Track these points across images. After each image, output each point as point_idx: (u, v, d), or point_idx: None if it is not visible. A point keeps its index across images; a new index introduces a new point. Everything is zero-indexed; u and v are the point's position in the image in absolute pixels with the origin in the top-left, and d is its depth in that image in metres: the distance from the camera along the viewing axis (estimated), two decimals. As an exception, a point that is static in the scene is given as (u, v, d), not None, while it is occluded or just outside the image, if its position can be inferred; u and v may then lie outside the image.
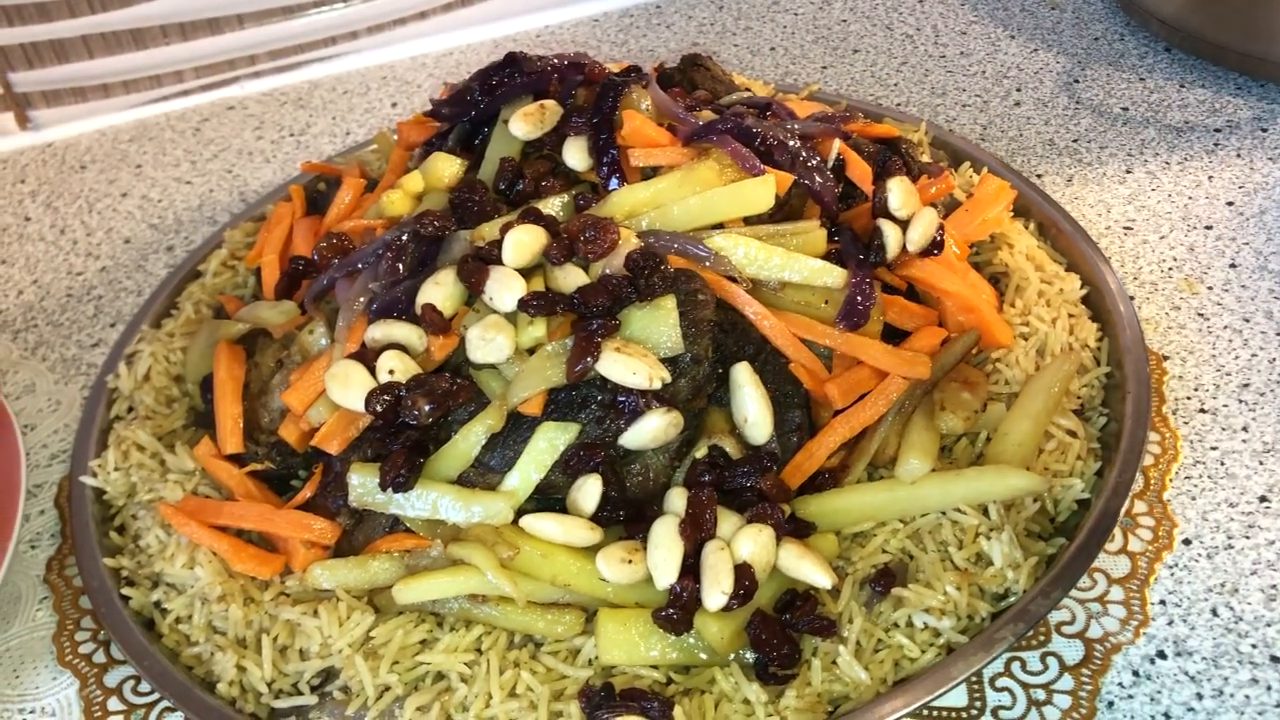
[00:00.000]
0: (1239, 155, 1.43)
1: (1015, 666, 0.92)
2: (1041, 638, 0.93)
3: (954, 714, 0.89)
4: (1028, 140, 1.51)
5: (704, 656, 0.89)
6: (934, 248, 1.08)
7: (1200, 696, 0.90)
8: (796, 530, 0.93)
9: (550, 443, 0.92)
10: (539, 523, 0.91)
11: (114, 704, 0.97)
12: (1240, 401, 1.12)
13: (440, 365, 0.97)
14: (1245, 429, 1.09)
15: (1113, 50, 1.68)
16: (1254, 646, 0.92)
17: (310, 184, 1.38)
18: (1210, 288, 1.25)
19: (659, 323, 0.93)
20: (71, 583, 1.07)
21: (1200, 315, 1.22)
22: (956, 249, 1.12)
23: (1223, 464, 1.06)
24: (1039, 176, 1.44)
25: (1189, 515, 1.02)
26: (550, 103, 1.13)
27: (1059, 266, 1.19)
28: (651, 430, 0.91)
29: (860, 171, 1.13)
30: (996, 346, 1.09)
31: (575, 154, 1.09)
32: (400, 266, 1.02)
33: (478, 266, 0.97)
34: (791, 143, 1.08)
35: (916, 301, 1.10)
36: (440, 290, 0.97)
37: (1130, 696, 0.90)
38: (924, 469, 0.96)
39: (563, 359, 0.92)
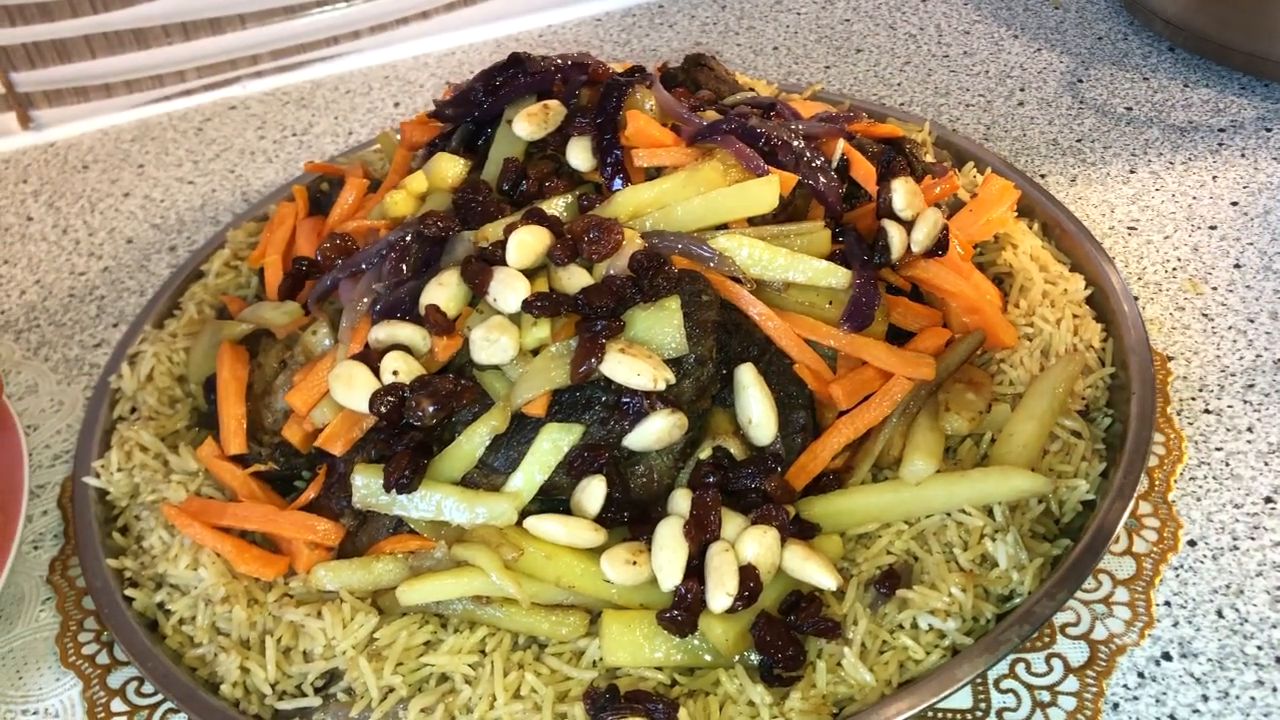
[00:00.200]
0: (1243, 155, 1.43)
1: (1020, 668, 0.92)
2: (1046, 639, 0.93)
3: (959, 716, 0.89)
4: (1031, 140, 1.51)
5: (709, 658, 0.89)
6: (938, 248, 1.07)
7: (1206, 698, 0.89)
8: (801, 532, 0.93)
9: (554, 444, 0.92)
10: (543, 524, 0.91)
11: (117, 705, 0.97)
12: (1245, 402, 1.12)
13: (444, 366, 0.97)
14: (1250, 430, 1.09)
15: (1116, 50, 1.67)
16: (1260, 648, 0.92)
17: (313, 184, 1.37)
18: (1215, 288, 1.25)
19: (663, 324, 0.93)
20: (75, 584, 1.07)
21: (1205, 315, 1.21)
22: (960, 249, 1.12)
23: (1228, 465, 1.06)
24: (1043, 176, 1.44)
25: (1194, 516, 1.02)
26: (554, 103, 1.13)
27: (1063, 267, 1.19)
28: (656, 431, 0.91)
29: (864, 172, 1.13)
30: (1001, 347, 1.09)
31: (579, 154, 1.09)
32: (404, 267, 1.02)
33: (481, 267, 0.96)
34: (795, 143, 1.08)
35: (921, 302, 1.10)
36: (444, 291, 0.97)
37: (1135, 698, 0.90)
38: (929, 470, 0.96)
39: (567, 360, 0.92)
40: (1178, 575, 0.98)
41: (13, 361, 1.37)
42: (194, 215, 1.58)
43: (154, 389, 1.18)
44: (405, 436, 0.94)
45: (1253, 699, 0.89)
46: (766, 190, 1.02)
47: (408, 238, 1.03)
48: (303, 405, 1.00)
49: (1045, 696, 0.90)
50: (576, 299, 0.94)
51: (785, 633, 0.88)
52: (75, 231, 1.58)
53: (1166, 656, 0.92)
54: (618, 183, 1.06)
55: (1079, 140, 1.50)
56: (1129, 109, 1.54)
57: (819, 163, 1.08)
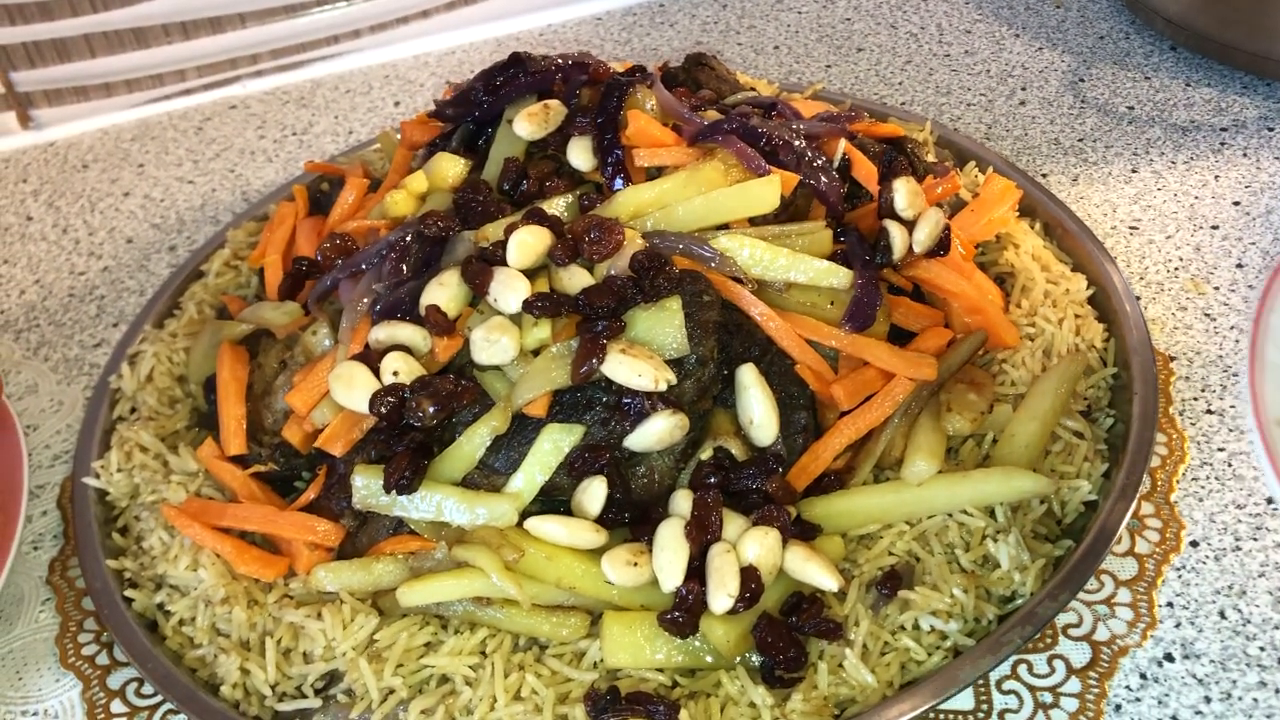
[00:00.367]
0: (1245, 154, 1.42)
1: (1022, 669, 0.91)
2: (1048, 640, 0.93)
3: (960, 717, 0.89)
4: (1033, 139, 1.51)
5: (710, 660, 0.88)
6: (940, 248, 1.07)
7: (1208, 700, 0.89)
8: (802, 532, 0.93)
9: (555, 444, 0.92)
10: (544, 525, 0.91)
11: (117, 706, 0.97)
12: (1247, 402, 1.11)
13: (444, 367, 0.97)
14: (1253, 430, 1.09)
15: (1118, 49, 1.67)
16: (1262, 649, 0.92)
17: (313, 184, 1.37)
18: (1217, 288, 1.24)
19: (664, 324, 0.93)
20: (74, 584, 1.07)
21: (1207, 315, 1.21)
22: (962, 249, 1.12)
23: (1230, 465, 1.06)
24: (1044, 176, 1.43)
25: (1196, 517, 1.02)
26: (554, 102, 1.13)
27: (1065, 267, 1.19)
28: (657, 432, 0.91)
29: (866, 171, 1.13)
30: (1003, 347, 1.08)
31: (580, 154, 1.09)
32: (404, 267, 1.02)
33: (482, 267, 0.96)
34: (797, 143, 1.08)
35: (922, 302, 1.10)
36: (444, 291, 0.97)
37: (1138, 700, 0.90)
38: (930, 471, 0.95)
39: (567, 360, 0.92)
40: (1180, 576, 0.97)
41: (12, 361, 1.37)
42: (194, 215, 1.58)
43: (154, 389, 1.18)
44: (405, 437, 0.94)
45: (1255, 700, 0.89)
46: (768, 190, 1.01)
47: (408, 238, 1.03)
48: (303, 406, 1.00)
49: (1047, 698, 0.89)
50: (577, 299, 0.94)
51: (786, 634, 0.87)
52: (75, 231, 1.58)
53: (1169, 658, 0.92)
54: (618, 183, 1.06)
55: (1081, 140, 1.49)
56: (1131, 108, 1.54)
57: (820, 162, 1.08)
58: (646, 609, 0.90)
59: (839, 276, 1.00)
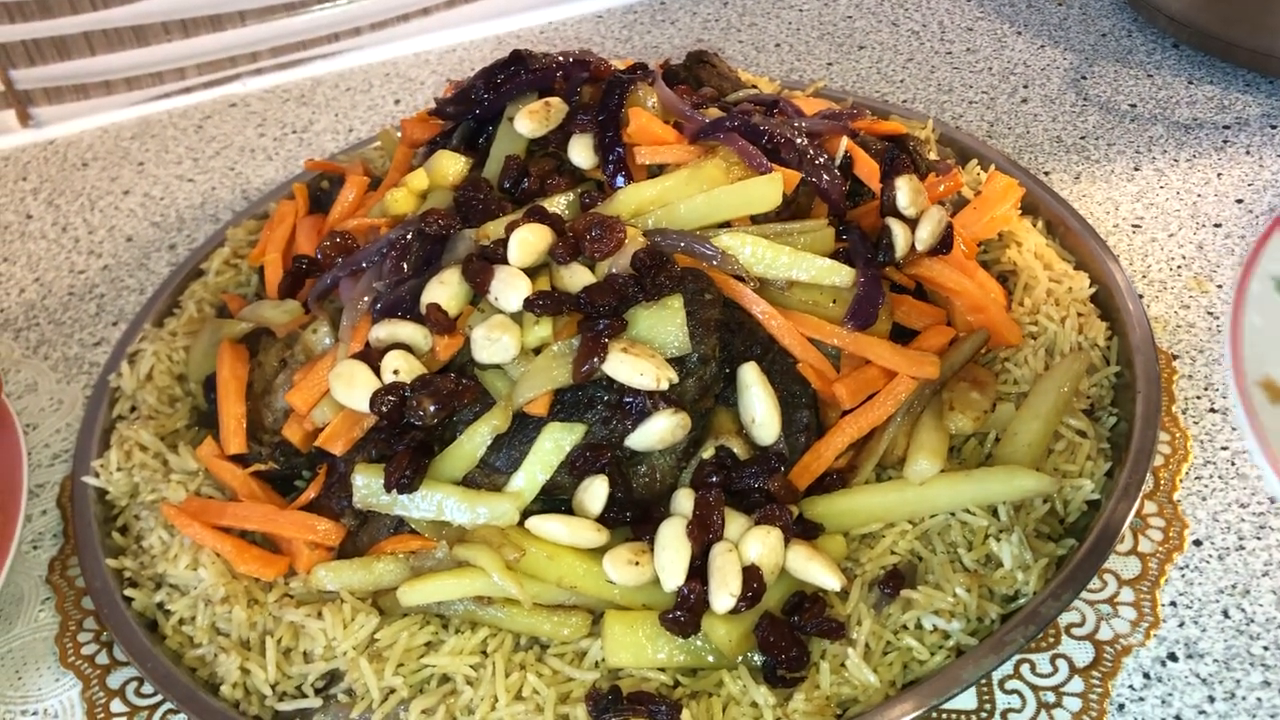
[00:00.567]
0: (1248, 152, 1.42)
1: (1025, 669, 0.91)
2: (1051, 640, 0.93)
3: (963, 717, 0.89)
4: (1035, 137, 1.50)
5: (711, 659, 0.88)
6: (942, 246, 1.07)
7: (1212, 699, 0.89)
8: (805, 532, 0.92)
9: (556, 443, 0.92)
10: (545, 524, 0.90)
11: (117, 706, 0.97)
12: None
13: (445, 365, 0.97)
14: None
15: (1120, 47, 1.67)
16: (1266, 649, 0.92)
17: (313, 182, 1.37)
18: (1220, 286, 1.24)
19: (666, 322, 0.92)
20: (74, 583, 1.07)
21: (1210, 314, 1.21)
22: (964, 247, 1.11)
23: (1233, 464, 1.06)
24: (1046, 174, 1.43)
25: (1199, 516, 1.02)
26: (555, 100, 1.12)
27: (1067, 265, 1.18)
28: (659, 432, 0.90)
29: (868, 169, 1.12)
30: (1005, 346, 1.08)
31: (581, 152, 1.08)
32: (404, 265, 1.01)
33: (483, 266, 0.96)
34: (799, 140, 1.07)
35: (925, 300, 1.09)
36: (445, 290, 0.96)
37: (1141, 699, 0.89)
38: (933, 470, 0.95)
39: (569, 359, 0.92)
40: (1183, 575, 0.97)
41: (12, 360, 1.36)
42: (194, 213, 1.58)
43: (153, 388, 1.18)
44: (406, 436, 0.94)
45: (1259, 700, 0.88)
46: (769, 188, 1.01)
47: (408, 236, 1.03)
48: (303, 404, 1.00)
49: (1050, 697, 0.89)
50: (579, 298, 0.94)
51: (789, 633, 0.87)
52: (75, 229, 1.57)
53: (1172, 657, 0.92)
54: (620, 180, 1.06)
55: (1083, 137, 1.49)
56: (1133, 106, 1.54)
57: (822, 160, 1.08)
58: (648, 608, 0.90)
59: (841, 275, 1.00)
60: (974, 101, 1.59)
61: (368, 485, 0.93)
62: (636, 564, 0.88)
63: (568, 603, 0.92)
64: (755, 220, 1.03)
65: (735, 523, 0.90)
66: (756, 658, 0.88)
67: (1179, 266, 1.27)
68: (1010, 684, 0.90)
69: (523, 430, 0.93)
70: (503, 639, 0.91)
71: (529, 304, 0.93)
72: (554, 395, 0.93)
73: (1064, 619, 0.93)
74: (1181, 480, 1.04)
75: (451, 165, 1.13)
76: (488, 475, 0.94)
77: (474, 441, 0.93)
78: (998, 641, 0.88)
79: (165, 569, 1.01)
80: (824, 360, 0.99)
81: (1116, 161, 1.44)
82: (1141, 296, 1.21)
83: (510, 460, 0.93)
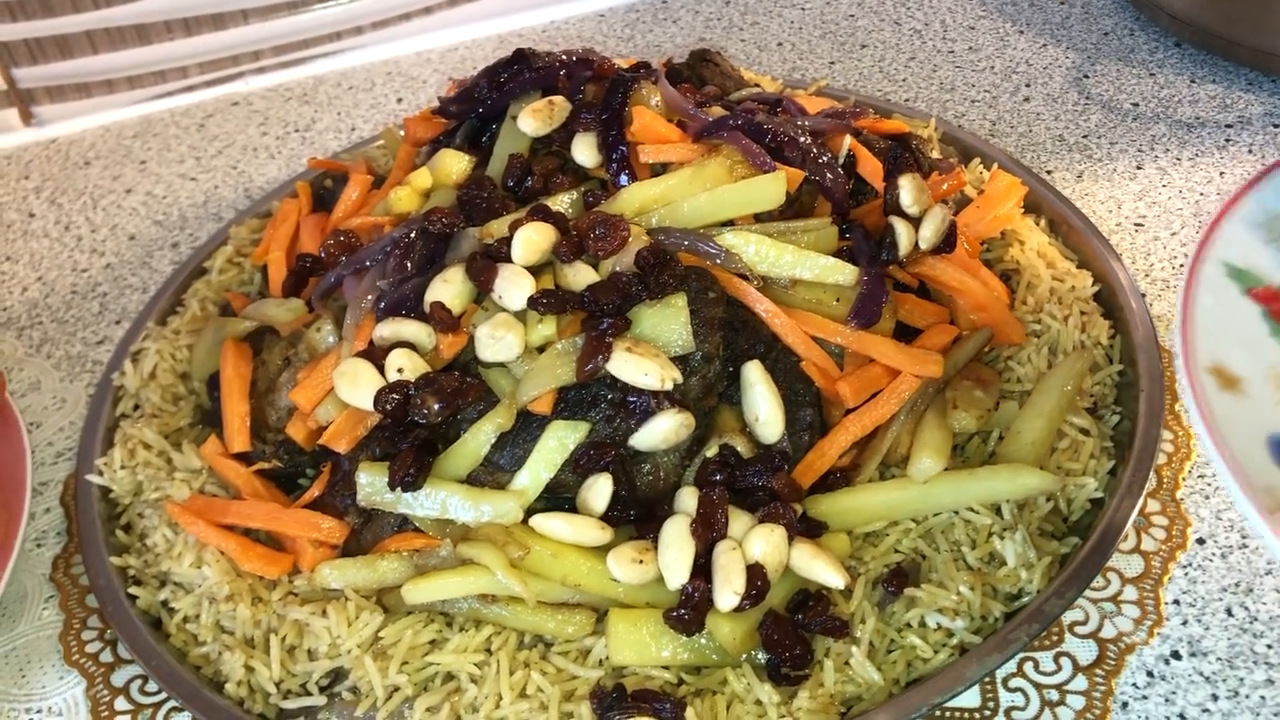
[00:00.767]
0: (1250, 151, 1.42)
1: (1028, 667, 0.91)
2: (1055, 638, 0.93)
3: (967, 715, 0.89)
4: (1037, 136, 1.50)
5: (715, 657, 0.88)
6: (946, 245, 1.07)
7: (1215, 697, 0.89)
8: (808, 530, 0.92)
9: (560, 441, 0.92)
10: (549, 522, 0.90)
11: (121, 704, 0.97)
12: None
13: (449, 363, 0.97)
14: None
15: (1122, 45, 1.67)
16: (1269, 647, 0.92)
17: (316, 180, 1.37)
18: (1222, 285, 1.24)
19: (669, 321, 0.92)
20: (78, 581, 1.07)
21: (1212, 312, 1.21)
22: (968, 246, 1.11)
23: (1236, 463, 1.06)
24: (1049, 172, 1.43)
25: (1203, 514, 1.02)
26: (559, 99, 1.12)
27: (1070, 263, 1.18)
28: (663, 431, 0.90)
29: (871, 168, 1.12)
30: (1008, 344, 1.08)
31: (584, 150, 1.08)
32: (408, 264, 1.01)
33: (486, 264, 0.96)
34: (802, 139, 1.07)
35: (928, 299, 1.09)
36: (449, 288, 0.96)
37: (1144, 697, 0.89)
38: (936, 468, 0.95)
39: (573, 357, 0.92)
40: (1186, 573, 0.97)
41: (15, 358, 1.36)
42: (196, 212, 1.58)
43: (157, 386, 1.18)
44: (410, 434, 0.94)
45: (1263, 698, 0.88)
46: (773, 186, 1.01)
47: (412, 234, 1.03)
48: (307, 403, 1.00)
49: (1054, 695, 0.89)
50: (582, 296, 0.94)
51: (793, 631, 0.87)
52: (77, 228, 1.57)
53: (1176, 655, 0.92)
54: (623, 179, 1.06)
55: (1085, 136, 1.49)
56: (1135, 105, 1.54)
57: (826, 159, 1.08)
58: (652, 606, 0.90)
59: (844, 273, 1.00)
60: (976, 100, 1.59)
61: (372, 483, 0.93)
62: (640, 562, 0.88)
63: (572, 601, 0.92)
64: (759, 219, 1.03)
65: (739, 521, 0.90)
66: (760, 656, 0.88)
67: (1181, 265, 1.27)
68: (1014, 682, 0.91)
69: (527, 428, 0.93)
70: (507, 637, 0.91)
71: (533, 302, 0.93)
72: (558, 393, 0.93)
73: (1067, 617, 0.94)
74: (1184, 478, 1.04)
75: (455, 164, 1.13)
76: (492, 473, 0.94)
77: (478, 440, 0.93)
78: (1001, 640, 0.88)
79: (169, 567, 1.01)
80: (827, 358, 0.99)
81: (1119, 160, 1.44)
82: (1144, 295, 1.21)
83: (514, 458, 0.93)
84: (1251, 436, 0.66)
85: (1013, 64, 1.66)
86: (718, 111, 1.10)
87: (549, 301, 0.93)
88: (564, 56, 1.17)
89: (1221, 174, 1.39)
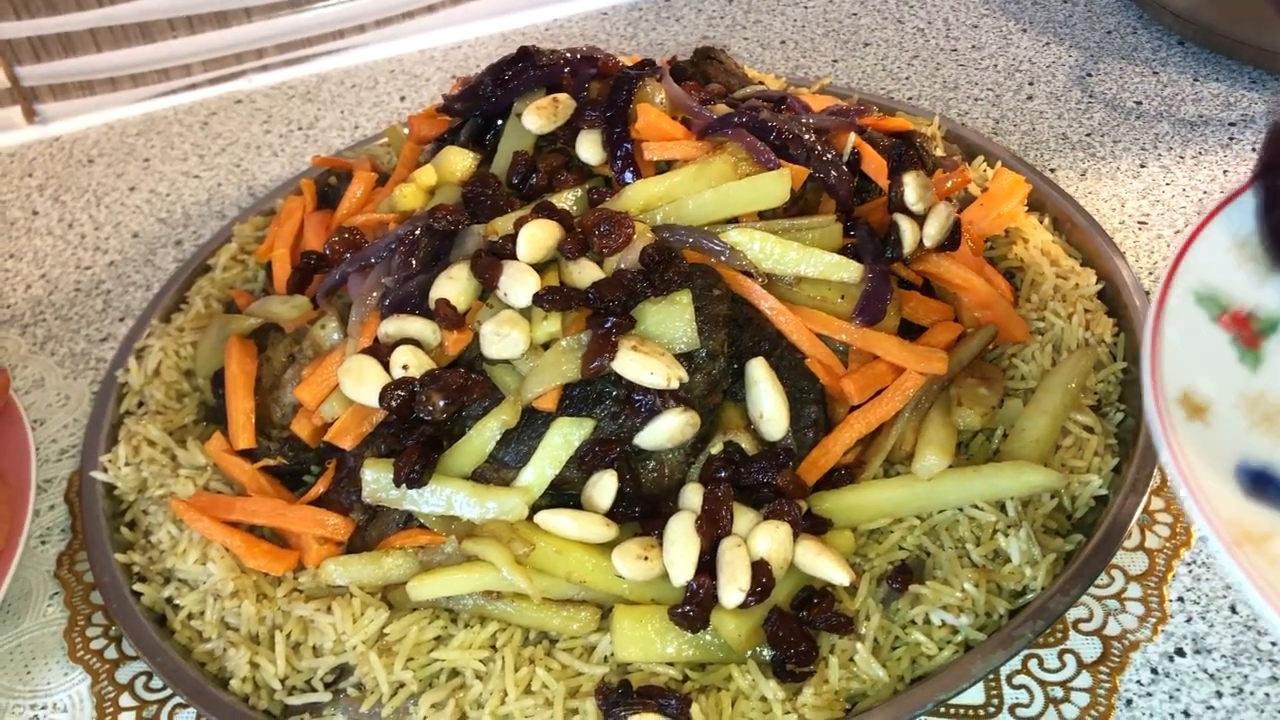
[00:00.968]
0: (1254, 150, 1.42)
1: (1033, 664, 0.91)
2: (1059, 635, 0.93)
3: (971, 712, 0.89)
4: (1041, 134, 1.50)
5: (721, 654, 0.88)
6: (950, 243, 1.07)
7: (1220, 694, 0.89)
8: (813, 527, 0.92)
9: (565, 438, 0.92)
10: (554, 519, 0.91)
11: (126, 700, 0.97)
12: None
13: (454, 360, 0.97)
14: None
15: (1125, 44, 1.67)
16: (1274, 644, 0.92)
17: (321, 178, 1.37)
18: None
19: (674, 318, 0.92)
20: (82, 578, 1.07)
21: (1216, 310, 1.21)
22: (972, 244, 1.12)
23: (1240, 460, 1.06)
24: (1052, 171, 1.43)
25: (1207, 512, 1.02)
26: (563, 96, 1.12)
27: (1074, 261, 1.18)
28: (668, 430, 0.91)
29: (875, 165, 1.12)
30: (1013, 342, 1.08)
31: (589, 147, 1.08)
32: (413, 261, 1.02)
33: (491, 261, 0.96)
34: (806, 136, 1.07)
35: (932, 297, 1.09)
36: (454, 285, 0.97)
37: (1149, 694, 0.89)
38: (941, 465, 0.95)
39: (578, 354, 0.92)
40: (1191, 571, 0.97)
41: (19, 356, 1.36)
42: (200, 209, 1.58)
43: (161, 383, 1.18)
44: (415, 431, 0.94)
45: (1267, 695, 0.88)
46: (778, 184, 1.01)
47: (417, 231, 1.03)
48: (312, 399, 1.00)
49: (1058, 692, 0.89)
50: (587, 293, 0.94)
51: (797, 628, 0.87)
52: (81, 226, 1.57)
53: (1180, 652, 0.92)
54: (628, 176, 1.06)
55: (1089, 134, 1.49)
56: (1139, 103, 1.54)
57: (830, 156, 1.08)
58: (657, 603, 0.90)
59: (849, 270, 1.00)
60: (979, 98, 1.59)
61: (377, 480, 0.93)
62: (645, 559, 0.89)
63: (577, 597, 0.92)
64: (763, 216, 1.03)
65: (744, 518, 0.90)
66: (765, 652, 0.88)
67: (1185, 263, 1.27)
68: (1018, 679, 0.91)
69: (531, 425, 0.93)
70: (512, 633, 0.91)
71: (538, 299, 0.93)
72: (563, 390, 0.93)
73: (1072, 614, 0.94)
74: (1189, 476, 1.04)
75: (459, 161, 1.13)
76: (497, 470, 0.94)
77: (483, 436, 0.93)
78: (1006, 637, 0.88)
79: (174, 564, 1.01)
80: (832, 356, 1.00)
81: (1122, 158, 1.44)
82: (1148, 293, 1.21)
83: (519, 455, 0.93)
84: (1218, 466, 0.65)
85: (1016, 62, 1.66)
86: (722, 109, 1.10)
87: (554, 298, 0.93)
88: (568, 54, 1.17)
89: (1225, 172, 1.39)
